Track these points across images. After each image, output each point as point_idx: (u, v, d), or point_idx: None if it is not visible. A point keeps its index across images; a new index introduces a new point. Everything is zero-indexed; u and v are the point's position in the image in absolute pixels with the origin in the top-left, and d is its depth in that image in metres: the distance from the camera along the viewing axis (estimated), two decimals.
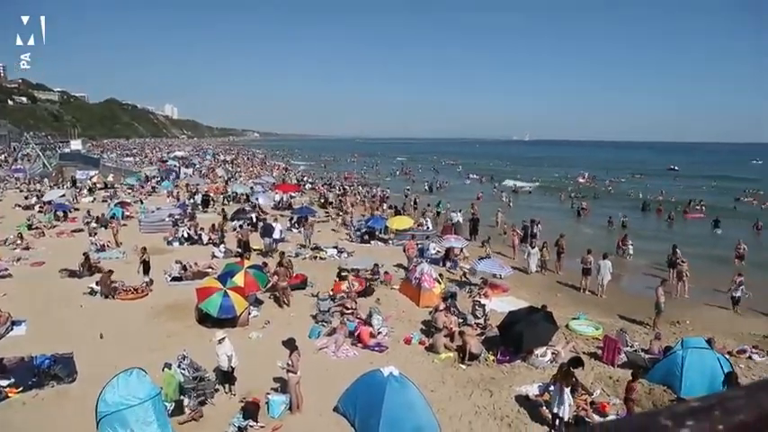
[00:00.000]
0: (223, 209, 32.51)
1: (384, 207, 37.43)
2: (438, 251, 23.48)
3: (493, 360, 13.20)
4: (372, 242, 26.69)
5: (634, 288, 20.99)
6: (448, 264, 22.04)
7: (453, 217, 30.70)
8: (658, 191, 53.81)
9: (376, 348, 13.62)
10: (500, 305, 16.71)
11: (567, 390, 9.99)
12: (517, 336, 13.18)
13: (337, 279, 17.99)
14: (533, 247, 22.63)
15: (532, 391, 11.52)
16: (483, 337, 14.24)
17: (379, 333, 14.29)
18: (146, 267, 18.16)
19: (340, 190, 47.87)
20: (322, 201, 40.54)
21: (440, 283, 17.98)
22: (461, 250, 23.18)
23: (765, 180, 68.88)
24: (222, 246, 23.56)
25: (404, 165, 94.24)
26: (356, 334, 14.00)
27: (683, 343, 12.29)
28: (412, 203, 38.83)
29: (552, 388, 10.45)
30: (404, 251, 22.32)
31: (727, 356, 12.65)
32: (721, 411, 1.01)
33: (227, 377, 11.16)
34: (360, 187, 52.03)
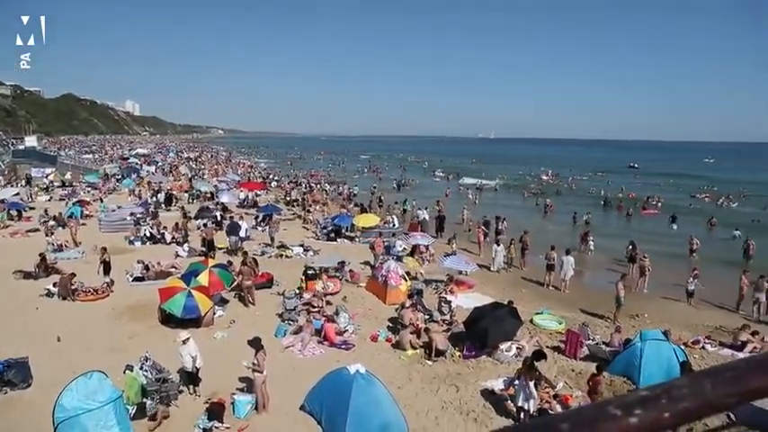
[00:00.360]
0: (182, 207, 31.90)
1: (351, 205, 37.43)
2: (404, 248, 23.59)
3: (459, 356, 13.34)
4: (339, 240, 26.64)
5: (596, 283, 21.52)
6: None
7: (420, 214, 30.86)
8: (619, 188, 55.26)
9: (342, 346, 13.61)
10: (466, 301, 16.93)
11: (532, 383, 10.17)
12: (483, 331, 13.35)
13: (303, 277, 17.86)
14: (499, 245, 22.78)
15: (498, 385, 11.70)
16: (449, 334, 14.36)
17: (345, 331, 14.30)
18: (106, 268, 17.71)
19: (306, 188, 47.59)
20: (287, 199, 40.23)
21: (406, 280, 18.06)
22: (427, 247, 23.34)
23: (717, 178, 71.51)
24: (186, 245, 23.15)
25: (371, 162, 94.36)
26: (323, 332, 13.97)
27: (641, 335, 12.66)
28: (377, 201, 38.95)
29: (517, 382, 10.63)
30: (371, 249, 22.34)
31: (683, 347, 13.13)
32: (667, 399, 1.05)
33: (191, 378, 10.99)
34: (327, 185, 51.82)
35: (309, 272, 17.98)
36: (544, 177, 70.08)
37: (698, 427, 9.97)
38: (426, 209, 31.75)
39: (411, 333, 13.77)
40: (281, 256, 22.75)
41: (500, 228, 27.92)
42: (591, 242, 26.25)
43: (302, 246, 24.02)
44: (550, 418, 0.97)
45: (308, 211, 33.32)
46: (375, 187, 47.52)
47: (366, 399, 9.54)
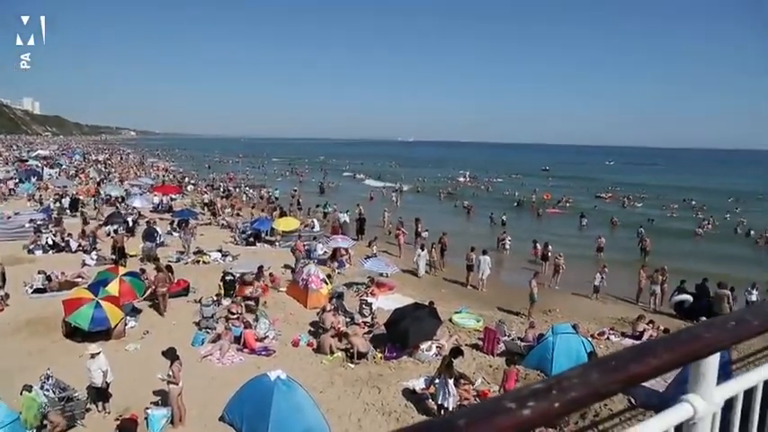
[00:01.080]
0: (82, 212, 30.01)
1: (270, 208, 36.80)
2: (325, 251, 23.47)
3: (380, 357, 13.45)
4: (258, 244, 26.10)
5: (511, 281, 22.38)
6: (335, 264, 22.07)
7: (340, 217, 30.81)
8: (532, 189, 57.78)
9: (263, 353, 13.35)
10: (387, 303, 17.08)
11: (451, 381, 10.43)
12: (403, 332, 13.54)
13: (221, 283, 17.37)
14: (423, 250, 22.91)
15: (419, 384, 11.90)
16: (370, 336, 14.48)
17: (266, 337, 14.02)
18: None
19: (224, 191, 46.26)
20: (204, 203, 38.92)
21: (327, 283, 17.98)
22: (348, 250, 23.35)
23: (619, 179, 76.52)
24: (94, 252, 21.82)
25: (291, 165, 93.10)
26: (242, 339, 13.63)
27: (552, 329, 13.34)
28: (297, 204, 38.52)
29: (437, 380, 10.87)
30: (292, 252, 22.06)
31: (590, 339, 13.98)
32: (558, 390, 1.12)
33: (100, 394, 10.36)
34: (247, 189, 50.53)
35: (228, 278, 17.50)
36: (461, 180, 71.94)
37: (603, 412, 10.69)
38: (347, 212, 31.76)
39: (332, 336, 13.72)
40: (199, 262, 21.98)
41: (419, 230, 28.40)
42: (507, 242, 27.32)
43: (220, 251, 23.31)
44: (449, 415, 1.01)
45: (216, 214, 32.37)
46: (295, 190, 46.92)
47: (287, 405, 9.42)
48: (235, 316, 14.63)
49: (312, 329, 15.06)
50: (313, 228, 29.01)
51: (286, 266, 21.27)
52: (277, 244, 26.14)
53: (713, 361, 1.57)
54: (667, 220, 40.94)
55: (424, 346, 13.59)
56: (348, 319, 15.25)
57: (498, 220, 35.52)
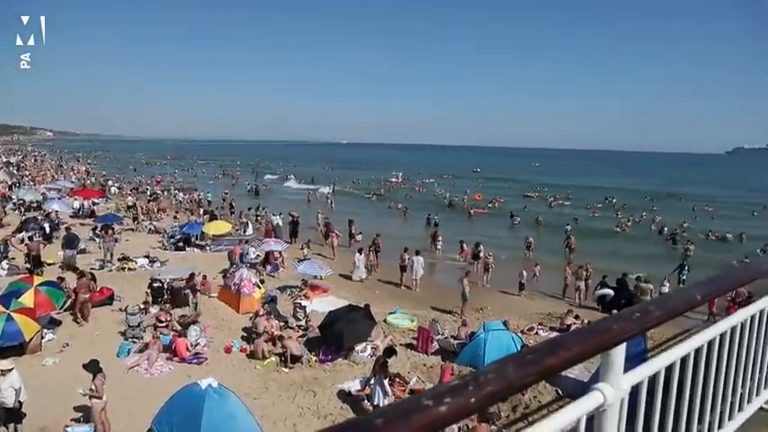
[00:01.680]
0: None
1: (200, 212, 35.72)
2: (258, 255, 23.04)
3: (315, 360, 13.36)
4: (188, 249, 25.28)
5: (444, 280, 22.79)
6: (268, 267, 21.72)
7: (273, 220, 30.36)
8: (463, 190, 59.07)
9: (194, 361, 12.94)
10: (321, 305, 16.96)
11: (386, 381, 10.50)
12: (338, 334, 13.51)
13: (149, 290, 16.72)
14: (361, 254, 22.57)
15: (354, 386, 11.90)
16: (305, 339, 14.36)
17: (197, 344, 13.59)
18: None
19: (151, 195, 44.48)
20: (128, 206, 37.19)
21: (260, 287, 17.67)
22: (281, 253, 23.03)
23: (546, 180, 79.62)
24: (5, 261, 20.38)
25: (223, 167, 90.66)
26: (172, 347, 13.15)
27: (484, 326, 13.68)
28: (229, 207, 37.60)
29: (372, 381, 10.91)
30: (229, 257, 21.55)
31: (520, 334, 14.46)
32: (474, 386, 1.15)
33: (12, 415, 9.60)
34: (178, 192, 48.66)
35: (156, 284, 16.84)
36: (393, 180, 72.51)
37: (533, 404, 11.09)
38: (280, 214, 31.31)
39: (266, 341, 13.51)
40: (124, 269, 21.00)
41: (353, 232, 28.46)
42: (440, 242, 27.81)
43: (147, 257, 22.37)
44: (368, 415, 1.02)
45: (137, 219, 31.11)
46: (227, 193, 45.72)
47: (219, 413, 9.15)
48: (164, 324, 14.11)
49: (245, 335, 14.75)
50: (245, 231, 28.42)
51: (223, 272, 20.60)
52: (208, 248, 25.43)
53: (620, 351, 1.67)
54: (591, 219, 42.97)
55: (358, 347, 13.61)
56: (282, 323, 15.06)
57: (432, 221, 36.07)
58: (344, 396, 11.59)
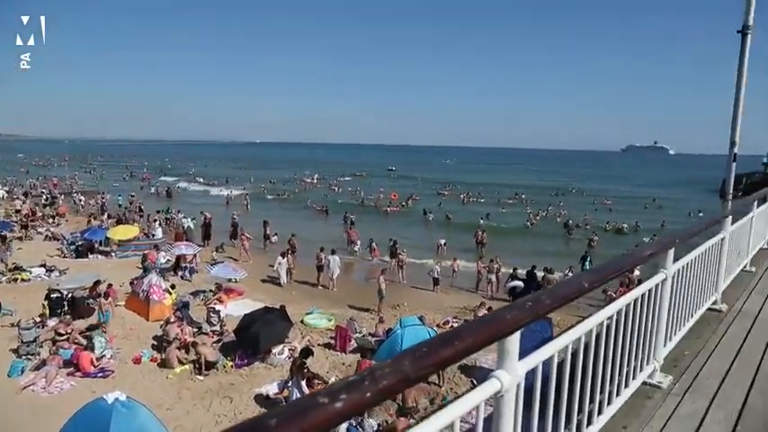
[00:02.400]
0: None
1: (104, 216, 33.73)
2: (168, 260, 22.09)
3: (231, 366, 13.01)
4: (91, 256, 23.78)
5: (361, 279, 22.91)
6: (180, 272, 20.89)
7: (184, 223, 29.23)
8: (377, 189, 59.61)
9: (99, 375, 12.18)
10: (236, 309, 16.51)
11: (304, 382, 10.41)
12: (254, 337, 13.24)
13: (45, 302, 15.53)
14: (282, 257, 21.87)
15: (272, 389, 11.71)
16: (220, 344, 13.95)
17: (102, 357, 12.81)
18: None
19: (47, 199, 41.44)
20: (17, 211, 34.33)
21: (170, 293, 16.94)
22: (194, 256, 22.23)
23: (457, 178, 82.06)
24: None
25: (130, 169, 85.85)
26: (74, 362, 12.32)
27: (400, 322, 13.83)
28: (137, 210, 35.78)
29: (290, 383, 10.78)
30: (142, 262, 20.52)
31: (436, 328, 14.77)
32: (370, 381, 1.17)
33: None
34: (78, 195, 45.50)
35: (54, 295, 15.70)
36: (308, 180, 71.87)
37: (450, 397, 11.39)
38: (192, 219, 30.13)
39: (178, 348, 12.99)
40: (16, 280, 19.37)
41: (268, 233, 28.01)
42: (358, 242, 27.87)
43: (44, 266, 20.77)
44: (261, 415, 1.01)
45: (27, 226, 28.87)
46: (133, 195, 43.46)
47: (129, 428, 8.66)
48: (63, 337, 13.18)
49: (156, 343, 14.07)
50: (154, 235, 27.15)
51: (136, 279, 19.49)
52: (113, 254, 24.05)
53: (515, 339, 1.76)
54: (501, 214, 44.71)
55: (275, 349, 13.41)
56: (195, 329, 14.53)
57: (349, 220, 36.08)
58: (262, 400, 11.37)
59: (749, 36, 7.28)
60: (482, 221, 35.74)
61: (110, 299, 15.78)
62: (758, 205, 7.08)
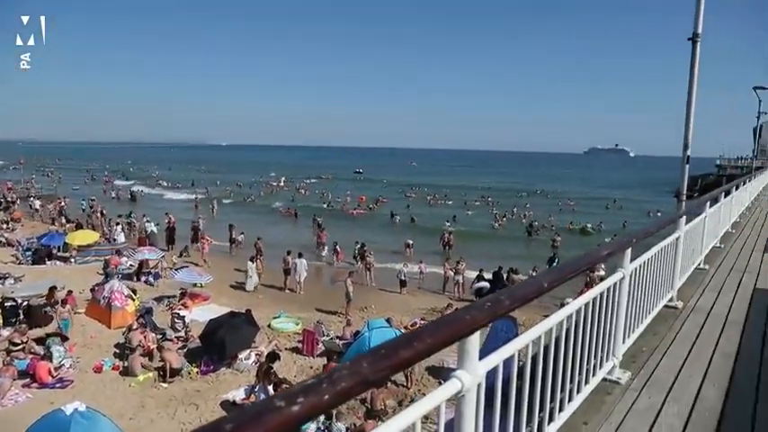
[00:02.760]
0: None
1: (62, 220, 32.75)
2: (131, 265, 21.59)
3: (196, 372, 12.79)
4: (49, 262, 23.01)
5: (328, 282, 22.83)
6: (143, 277, 20.43)
7: (148, 227, 28.62)
8: (345, 191, 59.49)
9: (57, 385, 11.79)
10: (202, 314, 16.24)
11: (270, 387, 10.32)
12: (220, 343, 13.06)
13: None
14: (252, 262, 21.36)
15: (239, 395, 11.55)
16: (185, 350, 13.71)
17: (60, 366, 12.41)
18: None
19: (0, 204, 40.01)
20: None
21: (133, 299, 16.55)
22: (158, 261, 21.78)
23: (424, 180, 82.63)
24: None
25: (91, 172, 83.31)
26: (30, 373, 11.90)
27: (368, 325, 13.88)
28: (100, 214, 34.77)
29: (257, 388, 10.67)
30: (104, 268, 20.05)
31: (403, 330, 14.81)
32: (328, 383, 1.17)
33: None
34: (34, 199, 43.88)
35: (8, 304, 15.17)
36: (274, 183, 71.12)
37: (418, 397, 11.42)
38: (157, 224, 29.46)
39: (142, 356, 12.70)
40: None
41: (233, 236, 27.68)
42: (325, 245, 27.70)
43: None
44: (217, 420, 1.00)
45: None
46: (93, 200, 42.19)
47: None
48: (19, 347, 12.72)
49: (118, 351, 13.71)
50: (116, 240, 26.49)
51: (97, 285, 18.95)
52: (73, 260, 23.36)
53: (474, 339, 1.79)
54: (468, 216, 45.18)
55: (242, 354, 13.25)
56: (159, 336, 14.25)
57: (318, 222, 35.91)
58: (229, 406, 11.21)
59: (699, 43, 7.57)
60: (448, 224, 36.15)
61: (68, 306, 15.27)
62: (710, 206, 7.35)
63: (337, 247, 26.28)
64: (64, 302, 15.34)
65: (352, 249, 26.03)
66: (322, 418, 10.01)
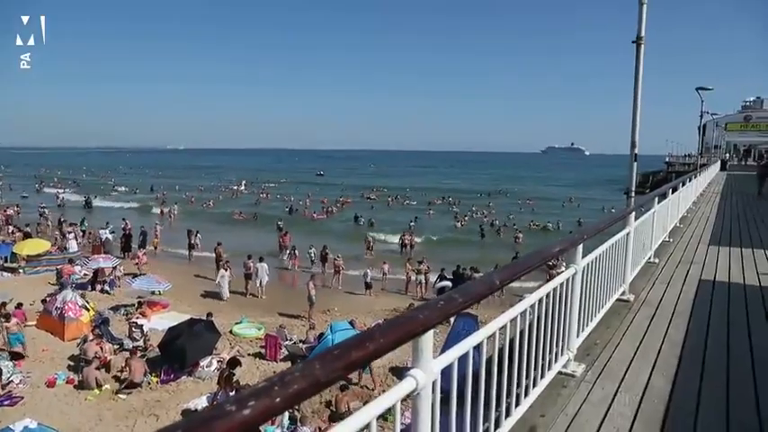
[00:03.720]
0: None
1: (9, 230, 31.50)
2: (85, 274, 20.92)
3: (156, 382, 12.49)
4: None
5: (291, 285, 22.66)
6: (98, 286, 19.82)
7: (102, 234, 27.75)
8: (305, 194, 59.10)
9: (5, 402, 11.24)
10: (161, 323, 15.84)
11: (232, 393, 10.17)
12: (180, 351, 12.78)
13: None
14: (227, 270, 20.69)
15: (201, 403, 11.33)
16: (144, 360, 13.37)
17: (9, 382, 11.89)
18: None
19: None
20: None
21: (88, 309, 16.03)
22: (114, 269, 21.17)
23: (382, 181, 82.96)
24: None
25: (39, 178, 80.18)
26: None
27: (331, 327, 13.84)
28: (58, 224, 33.48)
29: (219, 395, 10.51)
30: (57, 278, 19.45)
31: None
32: (280, 386, 1.18)
33: None
34: None
35: None
36: (235, 188, 70.03)
37: None
38: (112, 233, 28.55)
39: (97, 368, 12.32)
40: None
41: (192, 241, 27.20)
42: (287, 247, 27.45)
43: None
44: (166, 427, 1.00)
45: None
46: (44, 207, 40.60)
47: None
48: None
49: (72, 364, 13.26)
50: (67, 249, 25.60)
51: (50, 296, 18.24)
52: (22, 271, 22.47)
53: (428, 337, 1.82)
54: (430, 216, 45.60)
55: (203, 362, 13.01)
56: (116, 346, 13.87)
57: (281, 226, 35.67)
58: (190, 415, 10.99)
59: (642, 46, 7.89)
60: (412, 224, 36.42)
61: (14, 320, 14.38)
62: (659, 201, 7.64)
63: (295, 251, 26.08)
64: (7, 316, 14.55)
65: (311, 253, 25.86)
66: (286, 422, 9.95)
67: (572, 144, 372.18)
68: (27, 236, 27.31)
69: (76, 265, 21.69)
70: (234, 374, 10.68)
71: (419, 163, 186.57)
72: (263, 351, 14.32)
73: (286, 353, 14.14)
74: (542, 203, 55.31)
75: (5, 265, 22.96)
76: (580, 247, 3.65)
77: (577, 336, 3.92)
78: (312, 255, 25.75)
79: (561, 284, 3.40)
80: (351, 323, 14.36)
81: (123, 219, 31.56)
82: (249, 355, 14.07)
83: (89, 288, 19.61)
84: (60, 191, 61.31)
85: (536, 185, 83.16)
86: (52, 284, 19.49)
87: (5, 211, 38.96)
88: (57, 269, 20.80)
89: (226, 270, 20.79)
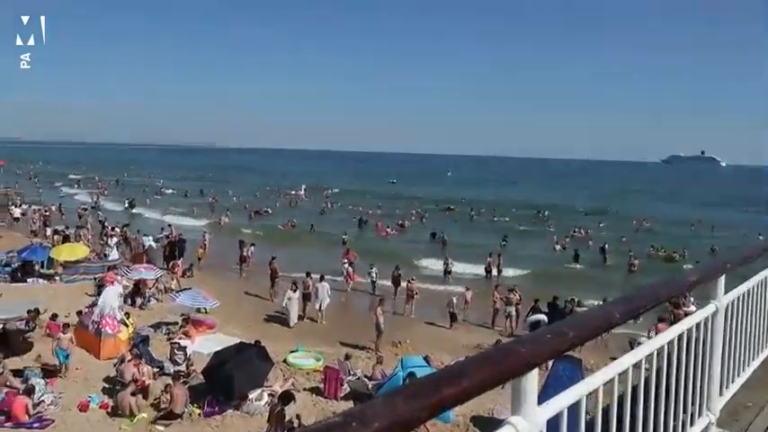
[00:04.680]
0: None
1: (46, 232, 33.70)
2: (126, 285, 22.01)
3: (199, 414, 12.86)
4: (30, 279, 23.58)
5: (355, 310, 22.85)
6: (138, 300, 20.80)
7: (145, 241, 29.14)
8: (376, 205, 59.60)
9: (35, 425, 11.95)
10: (206, 345, 16.38)
11: None
12: (226, 380, 13.11)
13: None
14: (295, 291, 20.95)
15: None
16: (186, 387, 13.83)
17: (40, 402, 12.63)
18: None
19: None
20: None
21: (127, 325, 16.82)
22: (156, 281, 22.17)
23: (459, 190, 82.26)
24: None
25: (79, 176, 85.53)
26: (4, 410, 12.16)
27: (402, 363, 13.82)
28: (100, 226, 35.50)
29: None
30: (97, 288, 20.50)
31: None
32: (359, 423, 1.16)
33: None
34: (15, 207, 45.03)
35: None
36: (293, 193, 71.79)
37: None
38: (158, 240, 29.92)
39: (133, 394, 12.84)
40: None
41: (245, 253, 27.91)
42: (345, 264, 27.36)
43: None
44: None
45: None
46: (85, 209, 43.23)
47: None
48: None
49: (107, 386, 13.94)
50: (107, 256, 27.04)
51: (87, 308, 19.32)
52: (58, 278, 23.95)
53: (532, 377, 1.74)
54: (521, 236, 44.82)
55: (253, 395, 13.27)
56: (156, 369, 14.44)
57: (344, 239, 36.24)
58: None
59: None
60: (504, 243, 35.94)
61: (69, 334, 15.29)
62: None
63: (350, 268, 26.30)
64: (66, 327, 15.51)
65: (371, 273, 25.89)
66: None
67: (702, 152, 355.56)
68: (66, 239, 29.08)
69: (117, 274, 22.86)
70: (285, 412, 10.82)
71: (501, 171, 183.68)
72: (321, 386, 14.43)
73: (348, 390, 14.19)
74: (662, 226, 52.95)
75: (42, 271, 24.53)
76: (722, 279, 3.41)
77: (720, 394, 3.66)
78: (374, 275, 25.67)
79: (697, 325, 3.20)
80: (426, 359, 14.28)
81: (169, 225, 33.09)
82: (305, 389, 14.22)
83: (127, 301, 20.54)
84: (104, 190, 65.11)
85: (654, 203, 79.67)
86: (89, 295, 20.56)
87: (45, 211, 41.58)
88: (95, 278, 21.96)
89: (294, 291, 20.97)
